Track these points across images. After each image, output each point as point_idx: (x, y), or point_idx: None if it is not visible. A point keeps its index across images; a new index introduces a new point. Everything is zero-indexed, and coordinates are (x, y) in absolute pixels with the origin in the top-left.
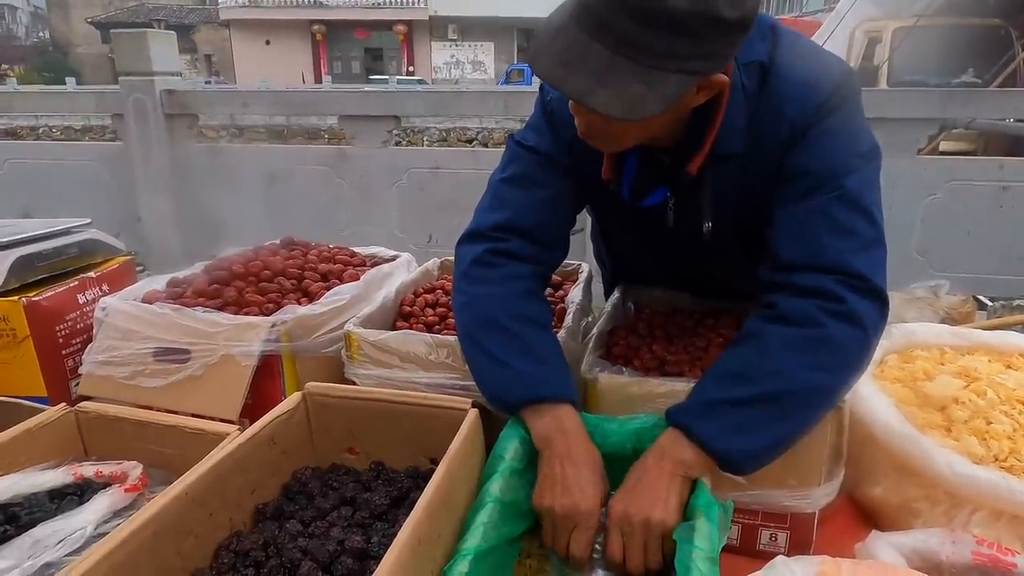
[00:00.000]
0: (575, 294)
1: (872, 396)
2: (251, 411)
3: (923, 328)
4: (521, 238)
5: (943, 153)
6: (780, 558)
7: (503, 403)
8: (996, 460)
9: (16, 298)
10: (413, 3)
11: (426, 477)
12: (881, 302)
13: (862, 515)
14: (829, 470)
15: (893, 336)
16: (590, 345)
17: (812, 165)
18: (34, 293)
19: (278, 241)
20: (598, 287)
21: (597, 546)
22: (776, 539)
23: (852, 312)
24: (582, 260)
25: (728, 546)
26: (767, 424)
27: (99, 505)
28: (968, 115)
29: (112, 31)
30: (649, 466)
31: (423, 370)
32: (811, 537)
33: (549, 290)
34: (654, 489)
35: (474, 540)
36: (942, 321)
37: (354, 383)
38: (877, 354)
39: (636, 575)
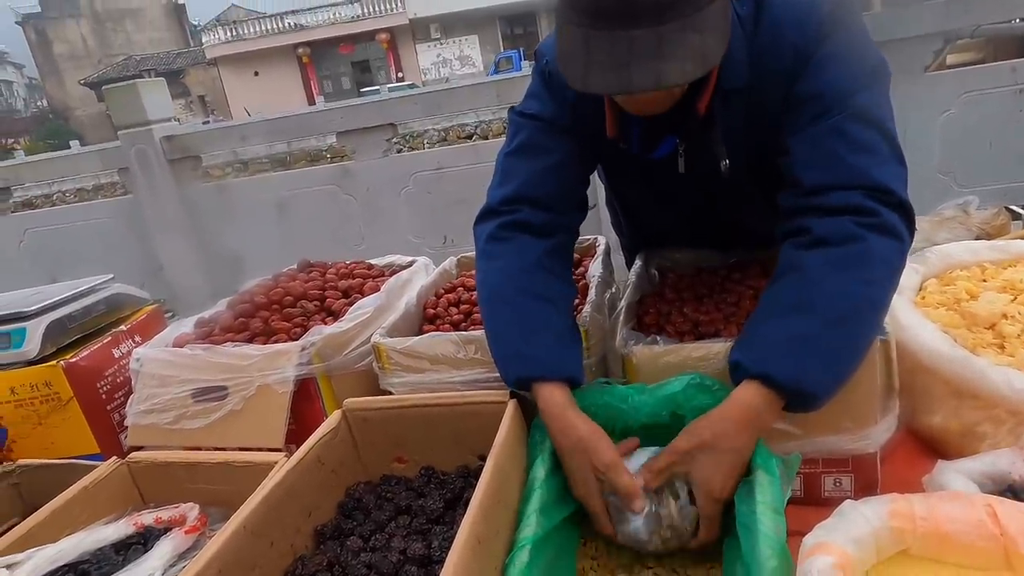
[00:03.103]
0: (595, 268)
1: (917, 324)
2: (295, 436)
3: (959, 247)
4: (532, 207)
5: (951, 67)
6: (848, 502)
7: (505, 381)
8: None
9: (55, 362)
10: (392, 10)
11: (477, 474)
12: (908, 215)
13: (925, 447)
14: (884, 406)
15: (929, 261)
16: (620, 318)
17: (821, 88)
18: (71, 355)
19: (295, 266)
20: (619, 260)
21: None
22: (841, 484)
23: (886, 223)
24: (598, 234)
25: (793, 497)
26: (840, 350)
27: (163, 550)
28: (971, 23)
29: (104, 88)
30: (743, 446)
31: (455, 369)
32: (876, 476)
33: None
34: (738, 467)
35: (530, 529)
36: (977, 238)
37: (390, 393)
38: (915, 281)
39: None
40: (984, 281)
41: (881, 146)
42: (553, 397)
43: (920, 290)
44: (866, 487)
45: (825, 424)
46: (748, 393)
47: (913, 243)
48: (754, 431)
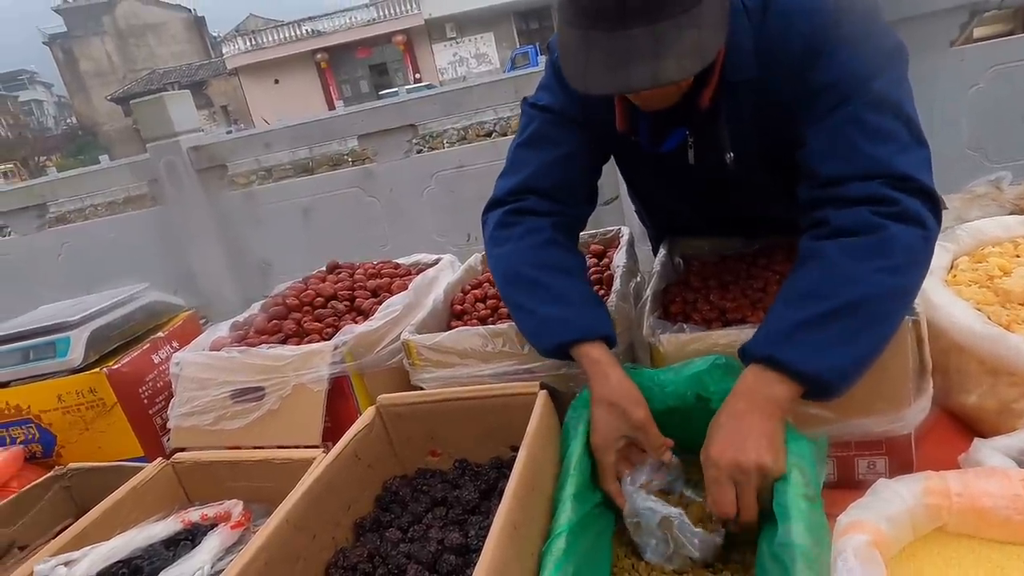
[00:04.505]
0: (619, 258)
1: (949, 303)
2: (331, 433)
3: (991, 224)
4: (539, 197)
5: (979, 40)
6: (882, 480)
7: (542, 350)
8: None
9: (98, 370)
10: (407, 11)
11: (510, 465)
12: (931, 201)
13: (961, 426)
14: (917, 387)
15: (960, 238)
16: (647, 307)
17: (835, 76)
18: (113, 362)
19: (324, 268)
20: (645, 251)
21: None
22: (875, 466)
23: (906, 212)
24: (621, 225)
25: (827, 481)
26: (853, 336)
27: (211, 545)
28: None
29: (132, 103)
30: (742, 411)
31: (484, 363)
32: (911, 457)
33: (593, 260)
34: (758, 432)
35: (565, 516)
36: (1010, 214)
37: (422, 388)
38: (947, 260)
39: (750, 522)
40: (1017, 257)
41: (900, 132)
42: (592, 354)
43: (951, 268)
44: (901, 469)
45: (858, 407)
46: (749, 376)
47: (944, 222)
48: (758, 404)
